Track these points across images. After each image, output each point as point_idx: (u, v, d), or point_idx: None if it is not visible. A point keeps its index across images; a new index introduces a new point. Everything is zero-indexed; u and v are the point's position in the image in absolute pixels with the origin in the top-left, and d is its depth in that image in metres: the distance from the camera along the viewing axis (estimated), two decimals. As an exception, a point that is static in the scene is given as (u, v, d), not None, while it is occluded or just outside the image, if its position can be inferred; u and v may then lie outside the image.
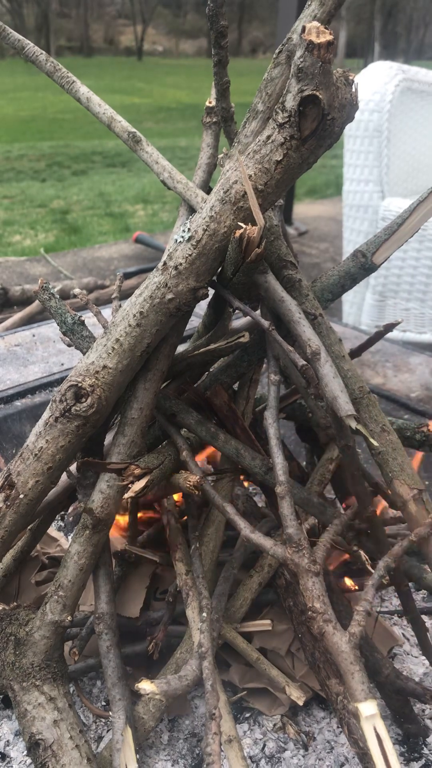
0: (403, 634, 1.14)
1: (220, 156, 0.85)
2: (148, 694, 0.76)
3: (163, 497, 1.10)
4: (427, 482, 1.52)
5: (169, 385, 0.99)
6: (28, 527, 1.07)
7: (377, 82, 2.51)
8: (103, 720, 0.99)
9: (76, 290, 1.06)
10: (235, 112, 0.89)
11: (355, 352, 1.07)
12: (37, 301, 2.92)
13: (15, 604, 0.95)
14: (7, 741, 0.95)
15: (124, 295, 1.00)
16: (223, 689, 0.88)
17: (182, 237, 0.78)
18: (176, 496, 1.15)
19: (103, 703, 1.02)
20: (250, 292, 0.87)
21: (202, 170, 0.98)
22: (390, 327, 0.99)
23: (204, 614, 0.85)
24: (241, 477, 1.06)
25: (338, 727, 0.96)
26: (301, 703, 0.90)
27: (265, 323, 0.80)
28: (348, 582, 1.04)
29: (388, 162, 2.56)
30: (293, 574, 0.73)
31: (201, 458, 1.21)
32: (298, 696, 0.90)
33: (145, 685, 0.78)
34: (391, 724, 0.97)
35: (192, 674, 0.82)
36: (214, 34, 0.79)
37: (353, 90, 0.72)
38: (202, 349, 0.93)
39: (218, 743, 0.72)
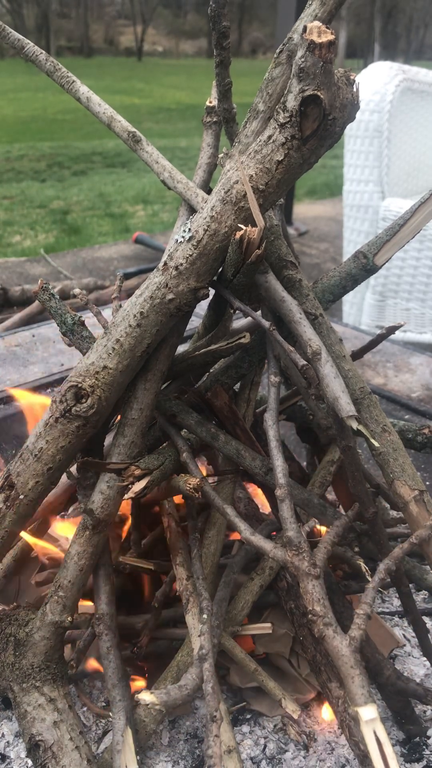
0: (403, 635, 1.14)
1: (221, 156, 0.84)
2: (148, 705, 0.76)
3: (163, 499, 1.10)
4: (427, 483, 1.52)
5: (170, 386, 0.98)
6: (28, 528, 1.07)
7: (377, 82, 2.51)
8: (104, 720, 0.99)
9: (76, 290, 1.05)
10: (236, 113, 0.89)
11: (357, 354, 1.07)
12: (36, 302, 2.92)
13: (15, 604, 0.95)
14: (8, 742, 0.95)
15: (124, 295, 1.00)
16: (222, 697, 0.88)
17: (183, 237, 0.78)
18: (176, 498, 1.15)
19: (103, 704, 1.01)
20: (251, 292, 0.87)
21: (202, 170, 0.98)
22: (392, 329, 0.98)
23: (204, 616, 0.85)
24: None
25: (339, 728, 0.96)
26: (296, 716, 0.90)
27: (266, 323, 0.80)
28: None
29: (389, 162, 2.56)
30: (294, 577, 0.73)
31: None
32: (293, 709, 0.90)
33: (146, 696, 0.78)
34: (392, 726, 0.96)
35: (192, 683, 0.81)
36: (216, 35, 0.79)
37: (354, 90, 0.72)
38: (202, 350, 0.93)
39: (219, 745, 0.71)
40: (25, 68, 23.05)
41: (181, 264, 0.78)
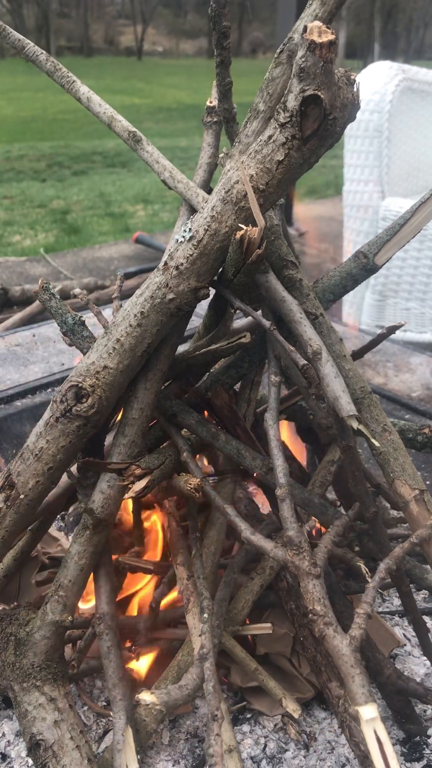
0: (404, 634, 1.14)
1: (221, 155, 0.84)
2: (149, 705, 0.76)
3: (163, 499, 1.10)
4: (428, 482, 1.52)
5: (170, 386, 0.98)
6: (29, 527, 1.07)
7: (377, 82, 2.51)
8: (104, 719, 0.99)
9: (77, 290, 1.05)
10: (237, 113, 0.89)
11: (358, 354, 1.07)
12: (37, 301, 2.92)
13: (15, 604, 0.95)
14: (8, 741, 0.95)
15: (125, 295, 1.00)
16: (222, 696, 0.88)
17: (183, 237, 0.78)
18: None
19: (104, 703, 1.01)
20: (251, 292, 0.87)
21: (202, 170, 0.98)
22: (393, 329, 0.98)
23: (205, 615, 0.85)
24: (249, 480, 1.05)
25: (339, 728, 0.96)
26: (296, 716, 0.91)
27: (267, 323, 0.80)
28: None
29: (389, 162, 2.56)
30: (294, 577, 0.73)
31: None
32: (294, 709, 0.90)
33: (146, 696, 0.78)
34: (392, 725, 0.96)
35: (193, 683, 0.81)
36: (216, 35, 0.79)
37: (355, 90, 0.72)
38: (203, 350, 0.93)
39: (221, 744, 0.72)
40: (26, 68, 23.03)
41: (182, 264, 0.78)
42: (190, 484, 0.85)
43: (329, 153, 0.79)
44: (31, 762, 0.91)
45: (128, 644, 1.02)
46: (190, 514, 1.02)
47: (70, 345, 1.00)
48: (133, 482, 0.83)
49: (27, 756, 0.92)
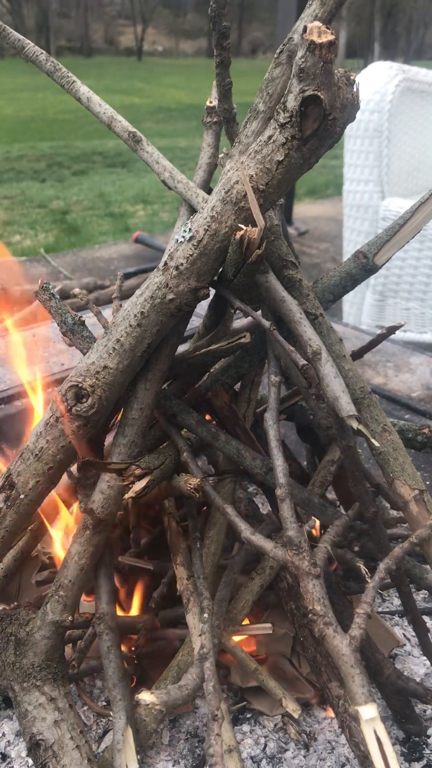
0: (404, 634, 1.14)
1: (221, 156, 0.84)
2: (148, 705, 0.76)
3: (163, 499, 1.10)
4: (427, 482, 1.52)
5: (170, 386, 0.98)
6: (29, 527, 1.07)
7: (377, 82, 2.51)
8: (104, 719, 0.99)
9: (76, 290, 1.05)
10: (237, 113, 0.89)
11: (357, 354, 1.07)
12: (37, 301, 2.92)
13: (15, 604, 0.95)
14: (8, 741, 0.95)
15: (125, 295, 1.00)
16: (222, 696, 0.88)
17: (183, 237, 0.78)
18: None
19: (104, 703, 1.01)
20: (251, 292, 0.87)
21: (202, 170, 0.98)
22: (393, 329, 0.99)
23: (205, 615, 0.85)
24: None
25: (339, 728, 0.96)
26: (296, 716, 0.91)
27: (266, 323, 0.80)
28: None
29: (389, 162, 2.56)
30: (294, 577, 0.73)
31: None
32: (293, 708, 0.90)
33: (146, 696, 0.78)
34: (392, 725, 0.97)
35: (192, 683, 0.81)
36: (216, 35, 0.79)
37: (354, 90, 0.72)
38: (203, 350, 0.93)
39: (221, 744, 0.72)
40: (26, 68, 23.02)
41: (182, 264, 0.78)
42: (190, 484, 0.85)
43: (329, 153, 0.79)
44: (31, 762, 0.91)
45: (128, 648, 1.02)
46: (190, 514, 1.02)
47: (70, 345, 1.00)
48: (133, 482, 0.83)
49: (27, 756, 0.92)
